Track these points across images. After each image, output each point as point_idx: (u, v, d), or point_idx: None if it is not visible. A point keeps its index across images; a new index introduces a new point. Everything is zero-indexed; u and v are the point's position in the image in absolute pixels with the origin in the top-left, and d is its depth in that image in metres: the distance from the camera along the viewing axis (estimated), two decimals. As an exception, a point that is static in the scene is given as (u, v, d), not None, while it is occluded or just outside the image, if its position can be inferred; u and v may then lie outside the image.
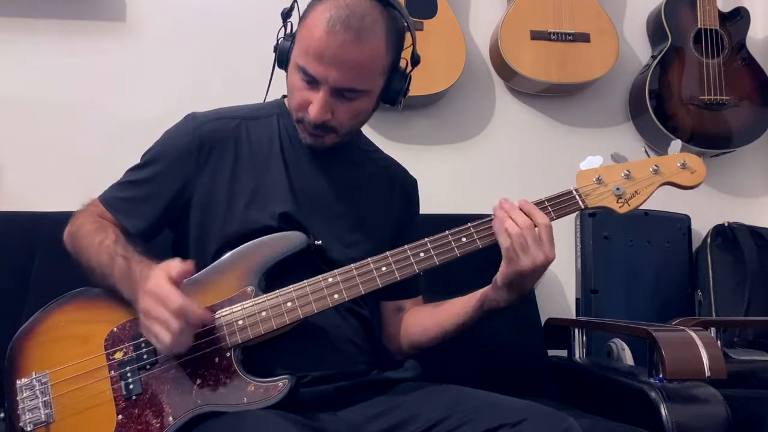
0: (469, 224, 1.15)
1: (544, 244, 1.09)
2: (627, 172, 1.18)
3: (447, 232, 1.14)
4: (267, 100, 1.35)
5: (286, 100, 1.32)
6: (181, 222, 1.23)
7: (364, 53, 1.13)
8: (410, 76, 1.26)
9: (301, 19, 1.18)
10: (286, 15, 1.26)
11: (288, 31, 1.25)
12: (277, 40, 1.25)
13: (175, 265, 1.04)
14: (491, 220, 1.14)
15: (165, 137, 1.26)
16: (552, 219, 1.13)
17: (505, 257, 1.10)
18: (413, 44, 1.26)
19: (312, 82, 1.14)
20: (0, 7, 2.01)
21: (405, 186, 1.40)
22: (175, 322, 0.99)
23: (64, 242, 1.22)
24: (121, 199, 1.23)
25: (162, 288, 1.01)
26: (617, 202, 1.18)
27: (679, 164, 1.20)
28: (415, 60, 1.27)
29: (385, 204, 1.33)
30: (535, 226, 1.10)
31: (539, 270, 1.10)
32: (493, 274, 1.15)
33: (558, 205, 1.16)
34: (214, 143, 1.22)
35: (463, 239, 1.14)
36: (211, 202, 1.20)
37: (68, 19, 2.05)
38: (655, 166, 1.19)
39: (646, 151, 1.25)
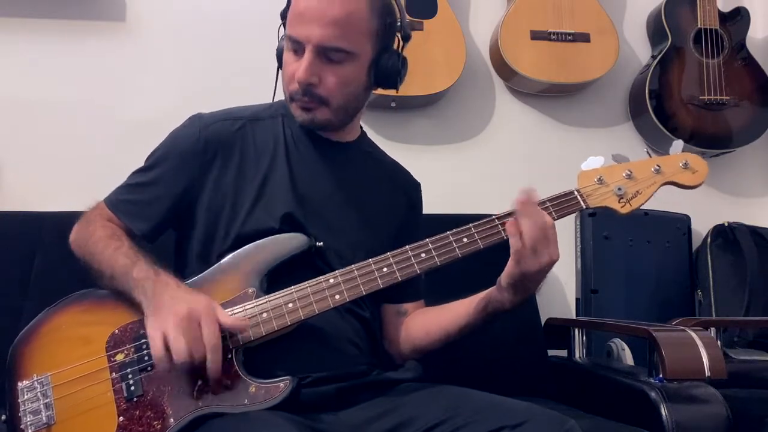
0: (470, 224, 1.14)
1: (548, 245, 1.09)
2: (629, 172, 1.18)
3: (448, 232, 1.14)
4: (273, 101, 1.35)
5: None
6: (186, 222, 1.23)
7: (344, 8, 1.13)
8: (404, 57, 1.26)
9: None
10: (283, 15, 1.26)
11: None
12: (279, 42, 1.25)
13: (226, 315, 1.05)
14: (492, 220, 1.14)
15: (170, 138, 1.26)
16: (554, 219, 1.13)
17: (514, 258, 1.10)
18: (401, 17, 1.25)
19: (298, 50, 1.15)
20: (0, 7, 2.01)
21: (408, 188, 1.40)
22: (199, 354, 1.00)
23: (71, 245, 1.22)
24: (126, 202, 1.23)
25: (213, 322, 1.02)
26: (619, 202, 1.17)
27: (680, 164, 1.19)
28: (405, 35, 1.26)
29: (388, 206, 1.33)
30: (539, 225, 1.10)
31: (544, 271, 1.09)
32: (495, 275, 1.15)
33: (559, 205, 1.16)
34: (219, 144, 1.22)
35: (465, 239, 1.13)
36: (215, 203, 1.20)
37: (68, 19, 2.05)
38: (657, 166, 1.19)
39: (647, 151, 1.25)
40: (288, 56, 1.18)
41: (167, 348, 1.01)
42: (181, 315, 1.01)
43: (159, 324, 1.02)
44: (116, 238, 1.17)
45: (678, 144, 1.21)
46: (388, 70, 1.23)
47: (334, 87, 1.18)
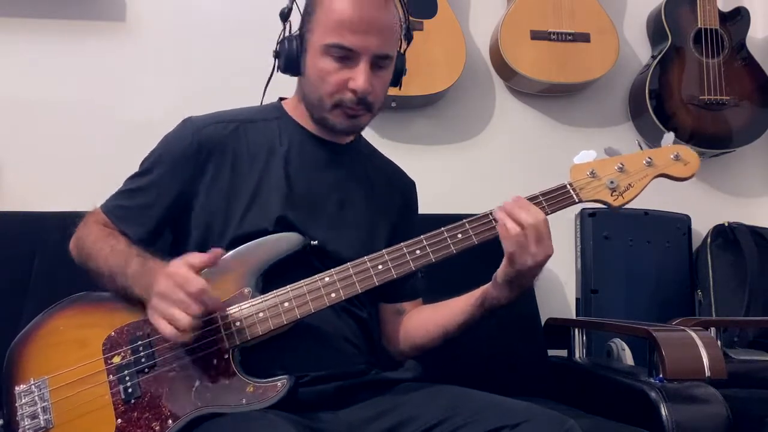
0: (464, 220, 1.14)
1: (543, 241, 1.09)
2: (620, 165, 1.18)
3: (443, 228, 1.14)
4: (263, 104, 1.35)
5: (284, 102, 1.32)
6: (181, 225, 1.23)
7: (391, 15, 1.18)
8: (403, 54, 1.30)
9: (313, 5, 1.19)
10: (285, 16, 1.25)
11: (288, 32, 1.25)
12: (278, 44, 1.24)
13: (196, 255, 1.05)
14: (486, 215, 1.14)
15: (163, 143, 1.25)
16: (547, 214, 1.13)
17: (507, 257, 1.10)
18: (407, 20, 1.28)
19: (348, 57, 1.15)
20: (0, 7, 2.01)
21: (403, 188, 1.40)
22: (195, 305, 0.99)
23: (70, 252, 1.23)
24: (122, 208, 1.23)
25: (182, 271, 1.01)
26: (611, 195, 1.18)
27: (672, 156, 1.19)
28: (409, 37, 1.30)
29: (383, 206, 1.32)
30: (532, 222, 1.10)
31: (539, 266, 1.09)
32: (491, 271, 1.15)
33: (552, 199, 1.15)
34: (212, 147, 1.22)
35: (459, 235, 1.13)
36: (210, 206, 1.20)
37: (68, 19, 2.05)
38: (648, 158, 1.19)
39: (639, 144, 1.25)
40: (330, 64, 1.16)
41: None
42: (160, 291, 1.02)
43: (152, 310, 1.03)
44: (112, 238, 1.17)
45: (669, 136, 1.22)
46: (401, 70, 1.28)
47: (380, 92, 1.21)
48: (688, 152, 1.20)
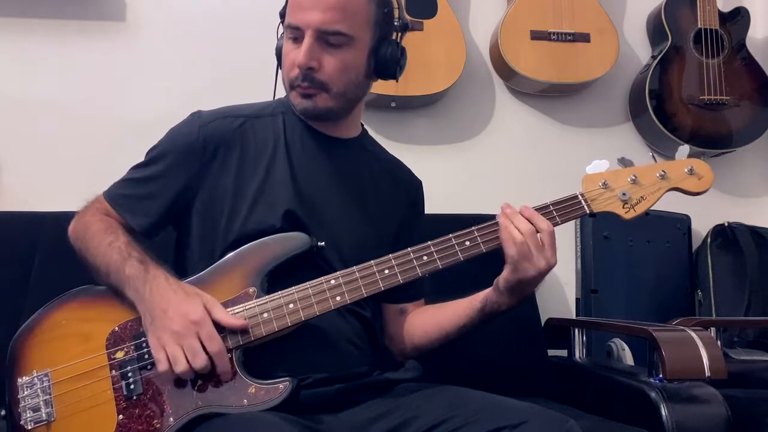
0: (473, 227, 1.14)
1: (546, 251, 1.09)
2: (633, 177, 1.17)
3: (450, 235, 1.13)
4: (274, 99, 1.35)
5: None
6: (185, 220, 1.23)
7: None
8: (404, 48, 1.26)
9: None
10: (282, 14, 1.26)
11: None
12: (279, 40, 1.26)
13: (225, 314, 1.06)
14: (495, 223, 1.13)
15: (170, 135, 1.25)
16: (557, 224, 1.13)
17: (509, 264, 1.09)
18: (399, 7, 1.25)
19: (298, 37, 1.16)
20: (0, 7, 2.01)
21: (410, 187, 1.40)
22: (203, 360, 1.01)
23: (69, 238, 1.22)
24: (125, 197, 1.23)
25: (209, 325, 1.03)
26: (623, 207, 1.17)
27: (686, 170, 1.18)
28: (403, 24, 1.26)
29: (389, 204, 1.32)
30: (538, 231, 1.10)
31: (541, 276, 1.10)
32: (494, 275, 1.15)
33: (563, 210, 1.15)
34: (219, 142, 1.22)
35: (467, 243, 1.13)
36: (215, 201, 1.20)
37: (68, 19, 2.05)
38: (662, 171, 1.18)
39: (653, 156, 1.24)
40: (287, 46, 1.19)
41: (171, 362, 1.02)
42: (176, 330, 1.02)
43: (157, 340, 1.03)
44: (111, 232, 1.17)
45: (684, 149, 1.20)
46: (387, 58, 1.23)
47: (333, 71, 1.17)
48: (703, 166, 1.19)
